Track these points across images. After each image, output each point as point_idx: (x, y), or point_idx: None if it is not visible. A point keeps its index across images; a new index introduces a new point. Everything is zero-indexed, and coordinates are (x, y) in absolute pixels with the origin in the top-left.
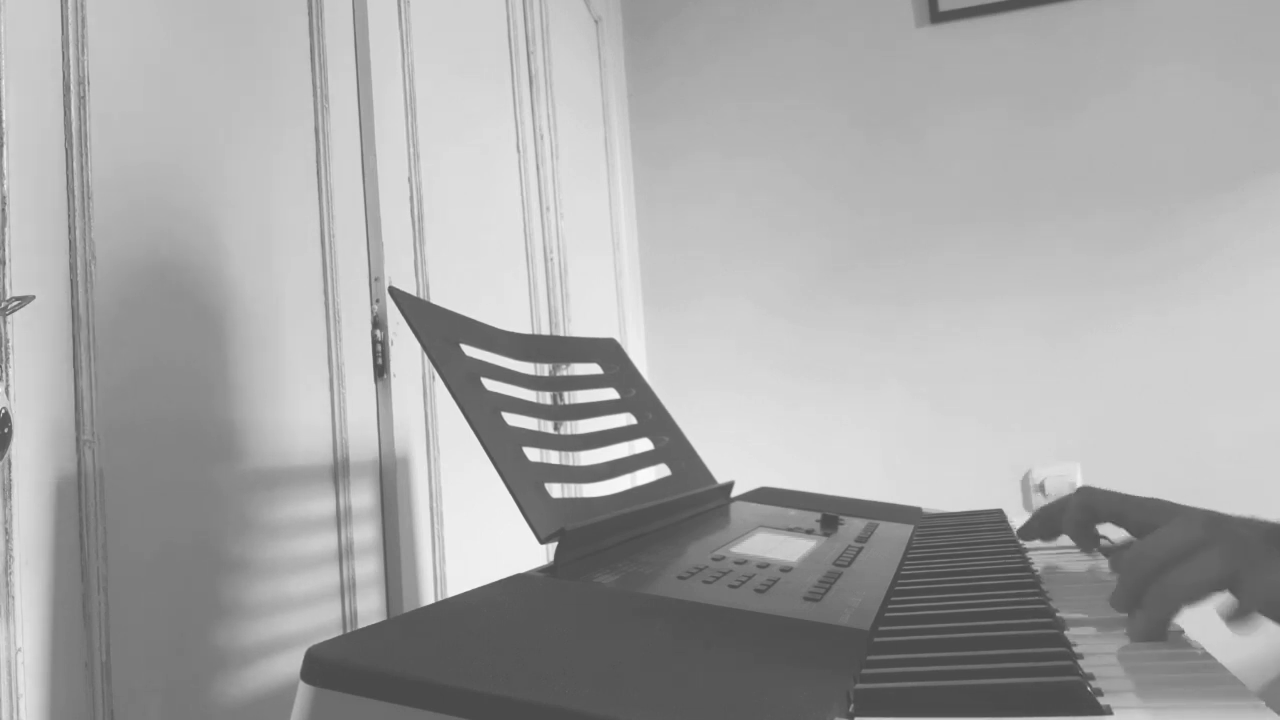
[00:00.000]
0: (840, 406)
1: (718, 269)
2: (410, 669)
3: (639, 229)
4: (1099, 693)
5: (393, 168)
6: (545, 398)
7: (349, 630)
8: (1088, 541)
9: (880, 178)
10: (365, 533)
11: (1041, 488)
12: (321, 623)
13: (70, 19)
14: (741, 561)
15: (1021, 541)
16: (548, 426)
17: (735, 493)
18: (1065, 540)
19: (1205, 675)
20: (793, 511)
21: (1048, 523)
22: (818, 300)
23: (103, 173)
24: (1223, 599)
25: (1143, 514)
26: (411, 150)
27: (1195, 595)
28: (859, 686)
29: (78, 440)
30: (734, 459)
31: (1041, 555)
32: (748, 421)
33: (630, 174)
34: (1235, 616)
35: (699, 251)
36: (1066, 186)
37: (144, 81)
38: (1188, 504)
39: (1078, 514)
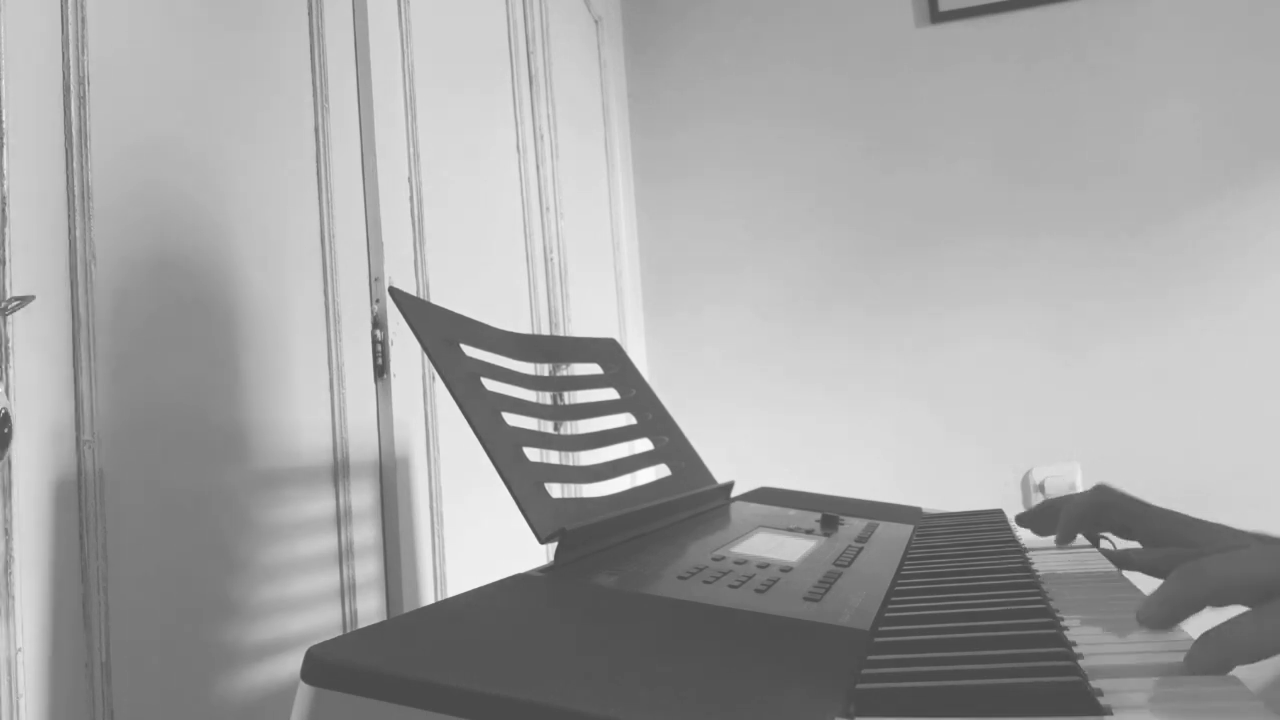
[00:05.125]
0: (841, 412)
1: (718, 276)
2: (410, 669)
3: (639, 234)
4: (1099, 693)
5: (393, 168)
6: (545, 398)
7: (349, 630)
8: (1072, 533)
9: (880, 179)
10: (365, 533)
11: (1041, 488)
12: (322, 623)
13: (70, 19)
14: (741, 561)
15: (1020, 539)
16: (548, 426)
17: (735, 493)
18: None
19: (1206, 675)
20: (793, 511)
21: (1050, 518)
22: (818, 307)
23: (103, 173)
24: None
25: (1160, 524)
26: (411, 150)
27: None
28: (859, 686)
29: (78, 440)
30: (734, 465)
31: (1041, 555)
32: (748, 429)
33: (630, 176)
34: None
35: (699, 257)
36: (1067, 187)
37: (144, 81)
38: (1200, 516)
39: (1089, 509)
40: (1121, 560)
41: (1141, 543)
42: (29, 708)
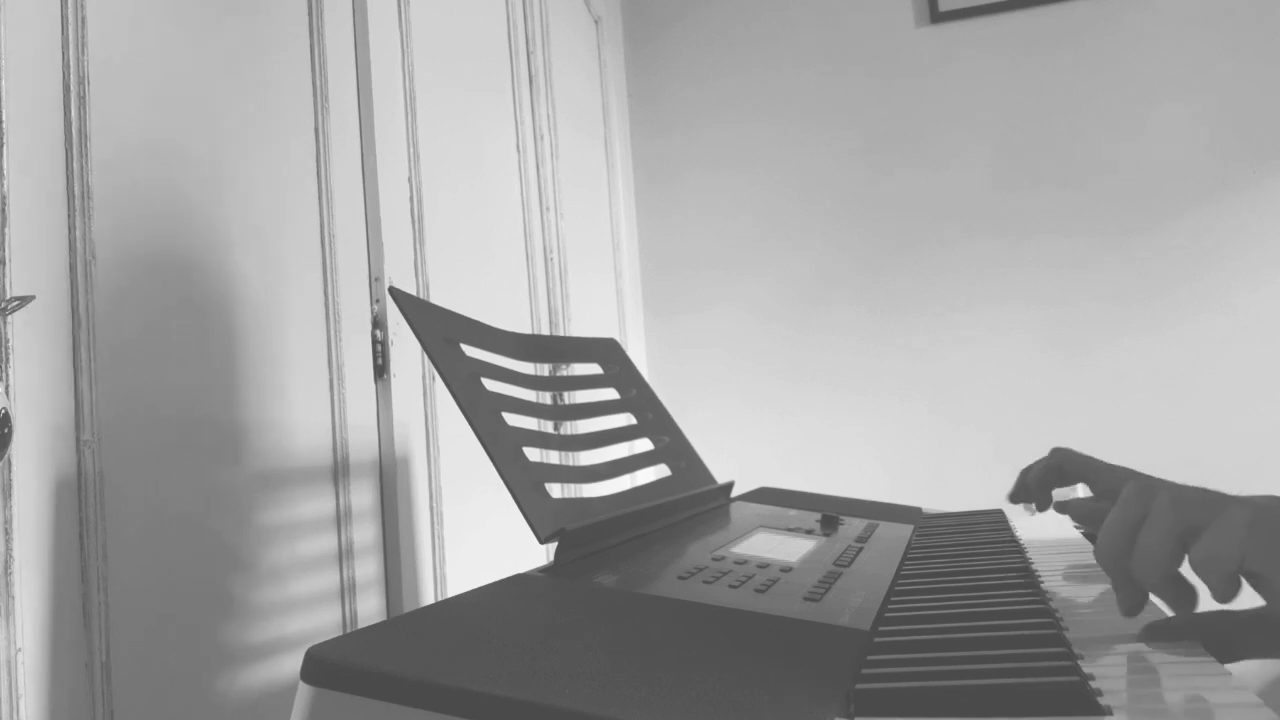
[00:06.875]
0: (841, 412)
1: (718, 276)
2: (410, 669)
3: (639, 234)
4: (1099, 693)
5: (393, 168)
6: (545, 398)
7: (349, 630)
8: (1044, 500)
9: (880, 179)
10: (365, 533)
11: None
12: (322, 623)
13: (70, 19)
14: (741, 561)
15: (1020, 539)
16: (548, 426)
17: (735, 493)
18: (1062, 532)
19: (1206, 676)
20: (793, 511)
21: (1021, 487)
22: (818, 307)
23: (103, 173)
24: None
25: (1110, 480)
26: (411, 150)
27: (1168, 554)
28: (859, 686)
29: (78, 440)
30: (735, 465)
31: (1041, 555)
32: (748, 429)
33: (630, 176)
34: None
35: (699, 258)
36: (1067, 187)
37: (144, 82)
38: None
39: (1043, 473)
40: (1064, 509)
41: (1097, 495)
42: (29, 708)
